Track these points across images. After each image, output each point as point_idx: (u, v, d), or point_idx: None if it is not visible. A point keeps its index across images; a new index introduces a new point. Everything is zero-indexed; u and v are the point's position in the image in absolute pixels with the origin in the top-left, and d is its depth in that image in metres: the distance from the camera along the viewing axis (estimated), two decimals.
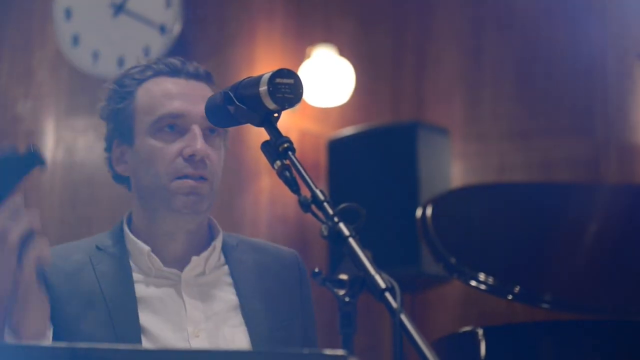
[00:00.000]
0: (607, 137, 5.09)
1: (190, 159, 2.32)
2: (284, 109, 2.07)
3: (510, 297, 3.61)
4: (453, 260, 3.61)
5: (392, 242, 4.65)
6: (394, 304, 1.74)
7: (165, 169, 2.32)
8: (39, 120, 5.60)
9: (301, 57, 5.24)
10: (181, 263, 2.38)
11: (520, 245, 3.83)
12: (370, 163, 4.93)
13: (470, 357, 3.26)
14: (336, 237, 1.85)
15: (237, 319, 2.38)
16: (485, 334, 3.24)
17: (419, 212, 3.77)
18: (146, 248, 2.36)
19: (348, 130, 5.13)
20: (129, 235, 2.39)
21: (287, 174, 1.99)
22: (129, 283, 2.35)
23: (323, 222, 1.88)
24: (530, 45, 5.27)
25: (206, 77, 2.44)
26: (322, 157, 5.19)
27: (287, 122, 5.16)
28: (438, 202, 3.85)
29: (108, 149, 2.44)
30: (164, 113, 2.34)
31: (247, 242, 2.52)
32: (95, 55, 5.43)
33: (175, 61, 2.43)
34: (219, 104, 2.14)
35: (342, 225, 1.86)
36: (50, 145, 5.54)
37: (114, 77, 2.46)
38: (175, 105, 2.34)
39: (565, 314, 3.73)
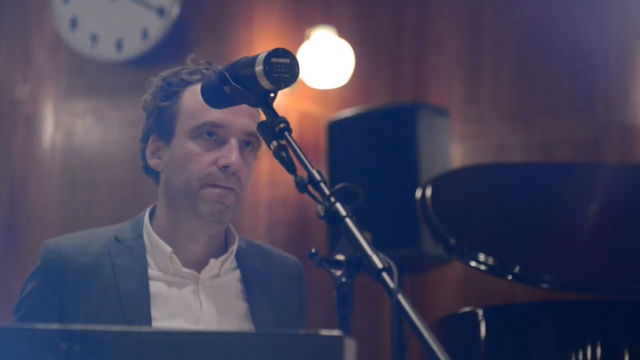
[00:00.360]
0: (608, 118, 5.07)
1: (224, 169, 2.35)
2: (280, 88, 2.06)
3: (510, 277, 3.60)
4: (453, 240, 3.60)
5: (392, 223, 4.65)
6: (392, 284, 1.74)
7: (197, 174, 2.35)
8: (37, 104, 5.59)
9: (300, 38, 5.22)
10: (199, 264, 2.42)
11: (520, 226, 3.82)
12: (370, 145, 4.92)
13: (470, 337, 3.26)
14: (333, 217, 1.85)
15: (247, 325, 2.43)
16: (485, 315, 3.23)
17: (418, 193, 3.76)
18: (168, 249, 2.39)
19: (348, 112, 5.11)
20: (151, 233, 2.42)
21: (284, 154, 1.99)
22: (145, 280, 2.37)
23: (320, 203, 1.88)
24: (530, 25, 5.25)
25: None
26: (322, 139, 5.18)
27: (286, 104, 5.15)
28: (438, 183, 3.84)
29: (144, 140, 2.47)
30: (206, 120, 2.36)
31: (254, 246, 2.56)
32: (94, 38, 5.42)
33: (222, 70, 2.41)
34: (214, 84, 2.14)
35: (338, 206, 1.85)
36: (49, 129, 5.53)
37: (163, 73, 2.48)
38: (218, 115, 2.35)
39: (565, 294, 3.73)
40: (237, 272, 2.47)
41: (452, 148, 5.08)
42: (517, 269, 3.57)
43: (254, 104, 2.09)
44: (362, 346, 1.64)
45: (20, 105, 5.62)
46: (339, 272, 1.81)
